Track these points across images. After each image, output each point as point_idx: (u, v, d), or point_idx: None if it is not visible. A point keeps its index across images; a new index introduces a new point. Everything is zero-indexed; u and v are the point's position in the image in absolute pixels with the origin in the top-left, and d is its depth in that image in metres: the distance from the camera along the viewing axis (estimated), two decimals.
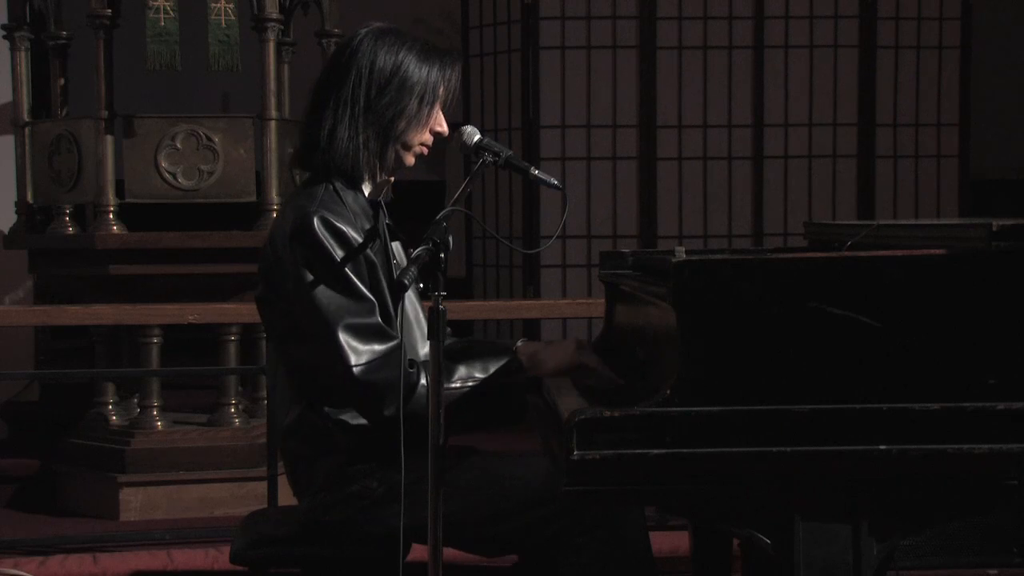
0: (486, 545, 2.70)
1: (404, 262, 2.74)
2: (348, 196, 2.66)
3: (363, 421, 2.61)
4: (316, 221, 2.56)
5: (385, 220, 2.73)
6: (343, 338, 2.52)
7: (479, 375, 2.62)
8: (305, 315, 2.57)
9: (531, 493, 2.59)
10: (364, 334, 2.54)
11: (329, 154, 2.66)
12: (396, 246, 2.75)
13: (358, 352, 2.52)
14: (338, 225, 2.57)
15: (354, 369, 2.52)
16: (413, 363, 2.56)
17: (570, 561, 2.56)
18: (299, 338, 2.63)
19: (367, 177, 2.72)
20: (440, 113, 2.73)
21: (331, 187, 2.65)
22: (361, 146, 2.66)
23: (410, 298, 2.75)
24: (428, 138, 2.73)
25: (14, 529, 4.70)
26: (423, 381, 2.54)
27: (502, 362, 2.66)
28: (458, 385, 2.59)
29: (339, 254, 2.56)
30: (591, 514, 2.55)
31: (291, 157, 3.00)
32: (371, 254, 2.61)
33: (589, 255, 6.64)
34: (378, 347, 2.54)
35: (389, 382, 2.51)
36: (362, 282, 2.58)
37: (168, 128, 5.05)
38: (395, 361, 2.52)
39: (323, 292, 2.54)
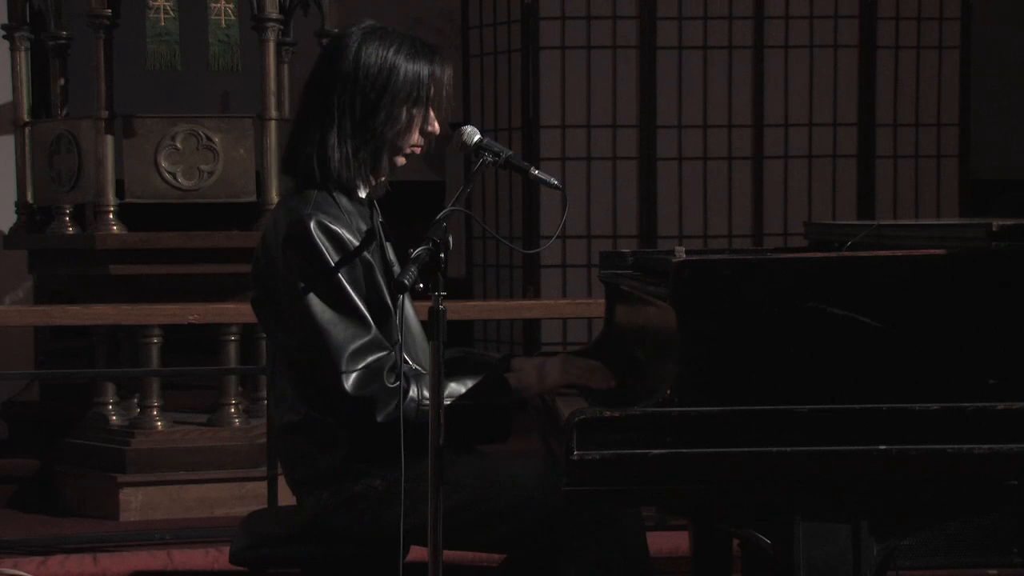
0: (481, 546, 2.70)
1: (397, 263, 2.73)
2: (342, 199, 2.63)
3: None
4: (312, 225, 2.54)
5: (379, 219, 2.72)
6: (335, 357, 2.51)
7: (466, 392, 2.59)
8: (300, 326, 2.56)
9: (526, 494, 2.58)
10: (356, 354, 2.52)
11: (320, 163, 2.63)
12: (389, 246, 2.74)
13: (349, 371, 2.51)
14: (334, 228, 2.55)
15: (345, 387, 2.51)
16: (400, 375, 2.54)
17: (571, 564, 2.55)
18: (294, 338, 2.62)
19: (360, 184, 2.69)
20: (432, 113, 2.68)
21: (324, 190, 2.63)
22: (351, 156, 2.63)
23: (411, 305, 2.73)
24: (419, 140, 2.69)
25: (14, 529, 4.70)
26: (412, 393, 2.53)
27: (491, 380, 2.64)
28: (447, 403, 2.56)
29: (334, 261, 2.53)
30: (591, 516, 2.54)
31: (280, 162, 2.98)
32: (368, 256, 2.59)
33: (589, 255, 6.63)
34: (370, 360, 2.53)
35: (376, 394, 2.51)
36: (357, 290, 2.56)
37: (168, 128, 5.06)
38: (384, 371, 2.52)
39: (318, 306, 2.53)
